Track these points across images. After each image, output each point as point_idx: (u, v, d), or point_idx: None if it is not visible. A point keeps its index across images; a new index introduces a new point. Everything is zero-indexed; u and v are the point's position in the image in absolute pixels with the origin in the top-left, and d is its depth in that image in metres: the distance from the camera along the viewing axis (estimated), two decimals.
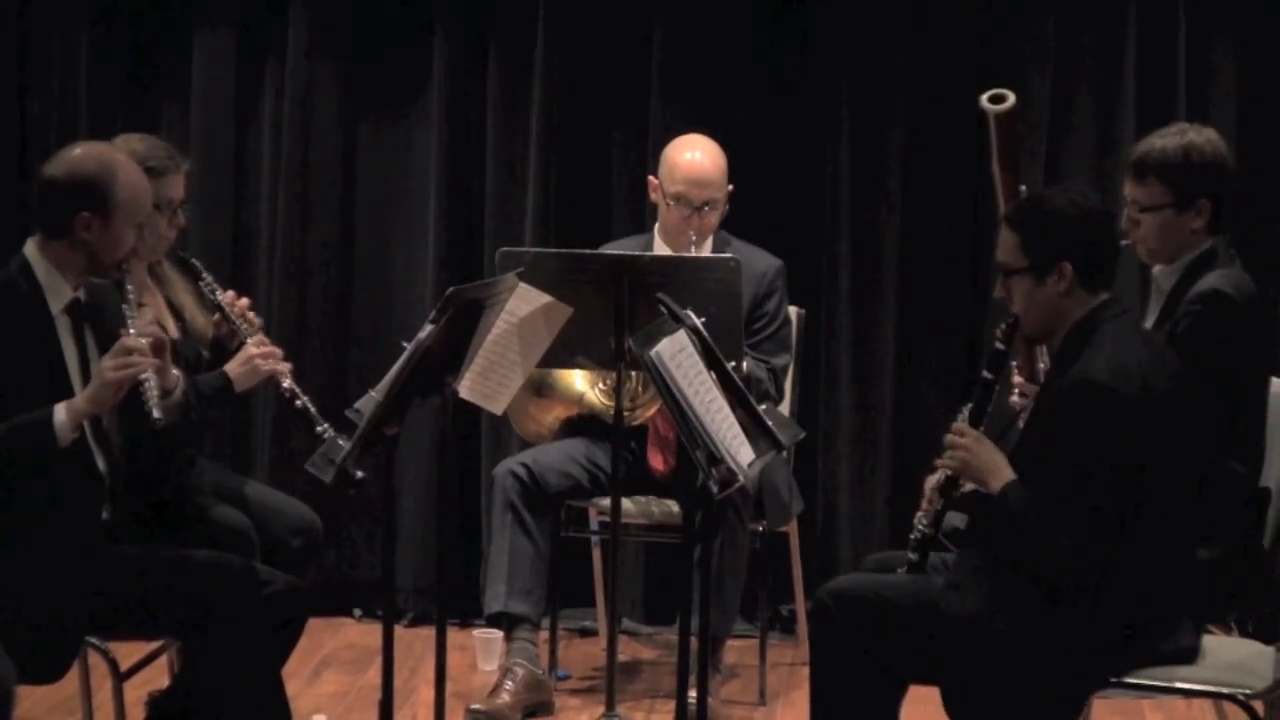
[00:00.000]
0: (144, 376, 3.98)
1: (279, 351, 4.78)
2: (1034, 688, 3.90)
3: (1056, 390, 3.95)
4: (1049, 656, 3.88)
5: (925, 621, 3.95)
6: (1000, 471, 3.94)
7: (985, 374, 4.08)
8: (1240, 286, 4.33)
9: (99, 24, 6.34)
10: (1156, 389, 3.87)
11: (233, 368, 4.72)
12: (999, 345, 4.07)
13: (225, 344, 4.81)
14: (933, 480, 4.12)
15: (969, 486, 4.02)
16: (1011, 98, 4.65)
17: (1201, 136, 4.43)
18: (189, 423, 4.28)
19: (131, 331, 4.01)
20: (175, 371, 4.19)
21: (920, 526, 4.12)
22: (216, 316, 4.80)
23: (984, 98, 4.69)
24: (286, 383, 4.71)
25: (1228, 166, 4.43)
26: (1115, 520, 3.82)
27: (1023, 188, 4.72)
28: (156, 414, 3.97)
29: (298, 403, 4.67)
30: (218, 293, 4.80)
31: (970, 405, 4.08)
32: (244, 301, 4.85)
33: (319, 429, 4.57)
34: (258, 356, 4.71)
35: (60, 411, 3.95)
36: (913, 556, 4.11)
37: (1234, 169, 4.45)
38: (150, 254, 4.72)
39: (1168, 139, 4.42)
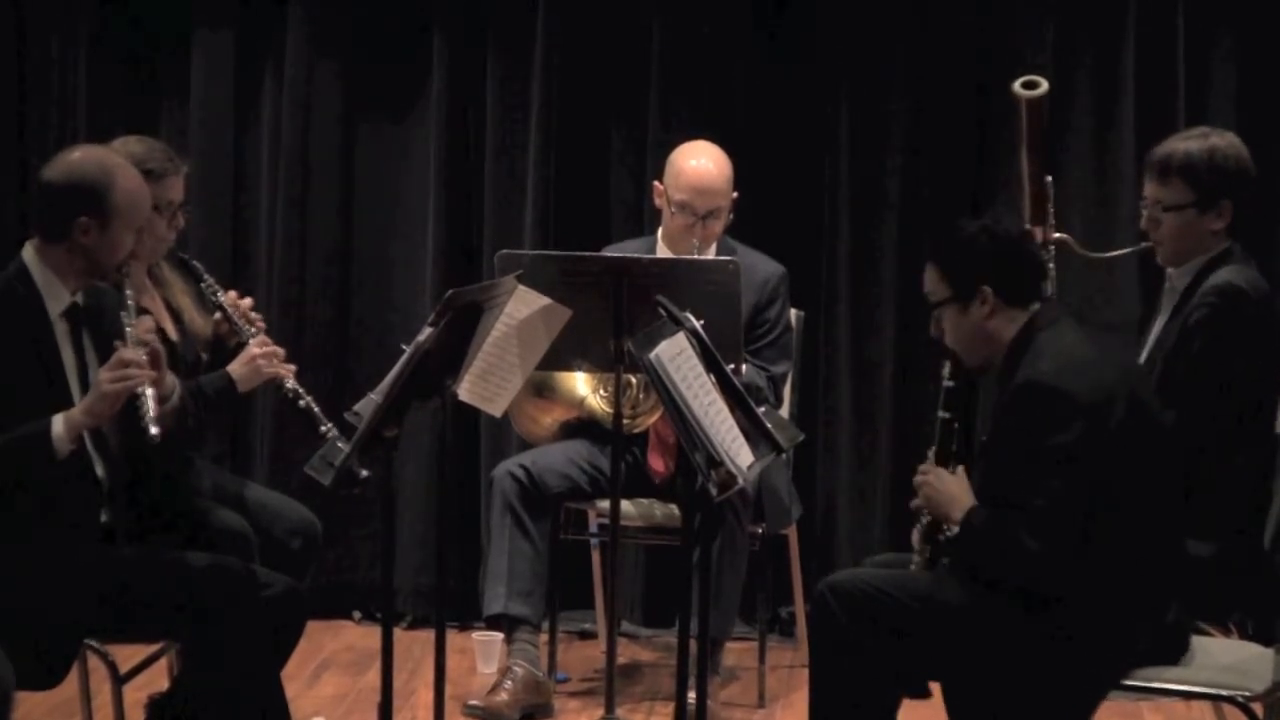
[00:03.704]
0: (140, 390, 3.96)
1: (281, 351, 4.77)
2: (1032, 686, 3.91)
3: (1001, 400, 3.99)
4: (1042, 651, 3.89)
5: (923, 616, 3.96)
6: (960, 500, 3.99)
7: (941, 413, 4.13)
8: (1255, 284, 4.39)
9: (99, 24, 6.34)
10: (1104, 383, 3.90)
11: (235, 368, 4.72)
12: (948, 383, 4.14)
13: (224, 342, 4.80)
14: (916, 530, 4.15)
15: (952, 530, 4.03)
16: (1044, 84, 4.70)
17: (1224, 140, 4.50)
18: (186, 428, 4.28)
19: (128, 343, 4.00)
20: (171, 378, 4.18)
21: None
22: (218, 316, 4.79)
23: (1017, 84, 4.73)
24: (290, 383, 4.71)
25: (1249, 170, 4.48)
26: (1079, 517, 3.83)
27: (1049, 179, 4.74)
28: (153, 430, 3.95)
29: (300, 403, 4.68)
30: (219, 294, 4.79)
31: (934, 447, 4.11)
32: (247, 301, 4.84)
33: (322, 429, 4.58)
34: (260, 357, 4.71)
35: (58, 423, 3.94)
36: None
37: (1254, 173, 4.49)
38: (150, 256, 4.72)
39: (1191, 141, 4.49)
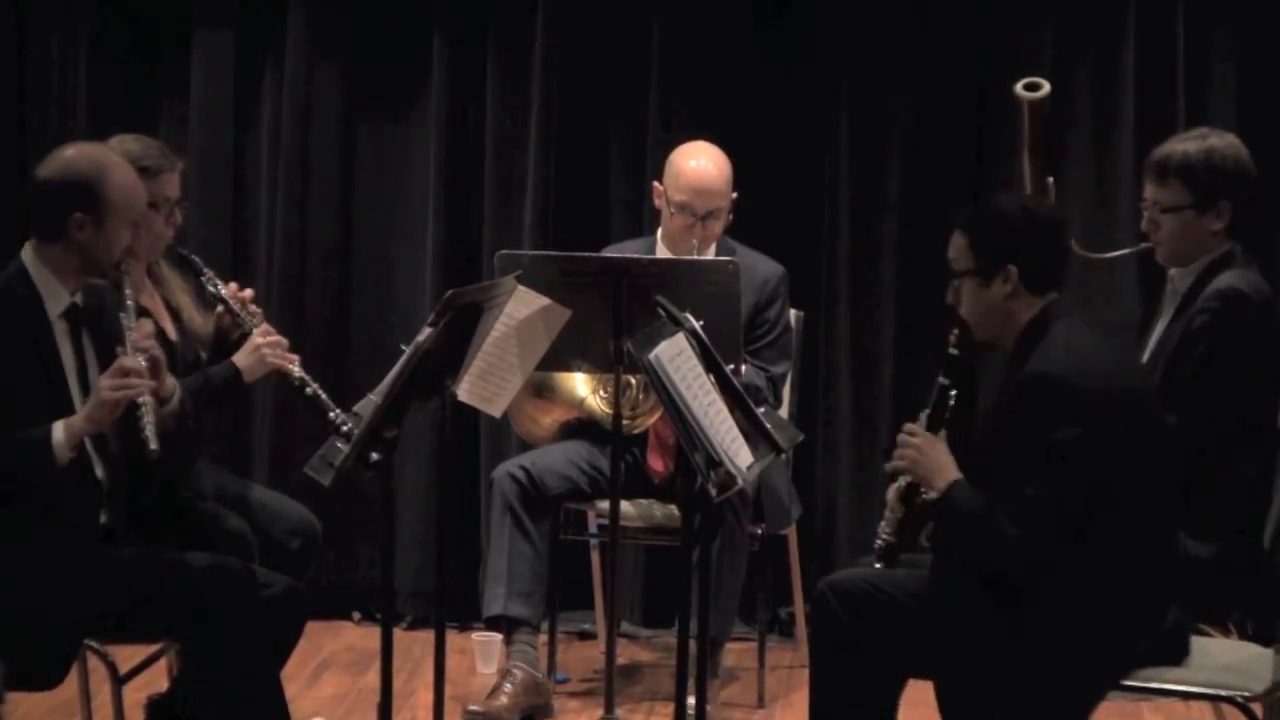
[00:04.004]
0: (141, 401, 3.95)
1: (285, 341, 4.77)
2: (1031, 686, 3.91)
3: (1010, 386, 3.97)
4: (1042, 651, 3.88)
5: (923, 615, 3.97)
6: (946, 471, 3.97)
7: (941, 379, 4.11)
8: (1257, 288, 4.39)
9: (99, 24, 6.34)
10: (1115, 382, 3.89)
11: (241, 358, 4.71)
12: (953, 351, 4.11)
13: (226, 335, 4.80)
14: (894, 489, 4.13)
15: (931, 494, 4.03)
16: (1046, 86, 4.70)
17: (1223, 141, 4.51)
18: (186, 430, 4.27)
19: (128, 349, 4.00)
20: (171, 380, 4.18)
21: (884, 535, 4.13)
22: (220, 309, 4.79)
23: (1019, 85, 4.74)
24: (296, 371, 4.71)
25: (1248, 171, 4.48)
26: (1065, 513, 3.82)
27: (1050, 179, 4.74)
28: (152, 445, 3.94)
29: (307, 390, 4.67)
30: (219, 286, 4.79)
31: (927, 410, 4.10)
32: (247, 293, 4.84)
33: (331, 415, 4.57)
34: (264, 347, 4.71)
35: (58, 430, 3.93)
36: (878, 566, 4.12)
37: (1254, 174, 4.49)
38: (148, 254, 4.72)
39: (1189, 142, 4.49)
